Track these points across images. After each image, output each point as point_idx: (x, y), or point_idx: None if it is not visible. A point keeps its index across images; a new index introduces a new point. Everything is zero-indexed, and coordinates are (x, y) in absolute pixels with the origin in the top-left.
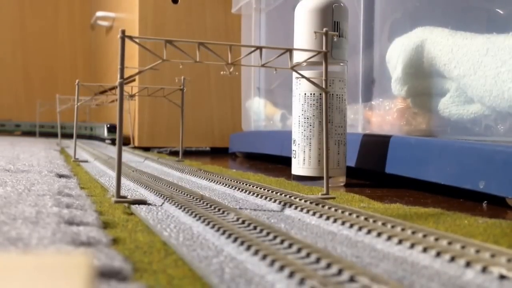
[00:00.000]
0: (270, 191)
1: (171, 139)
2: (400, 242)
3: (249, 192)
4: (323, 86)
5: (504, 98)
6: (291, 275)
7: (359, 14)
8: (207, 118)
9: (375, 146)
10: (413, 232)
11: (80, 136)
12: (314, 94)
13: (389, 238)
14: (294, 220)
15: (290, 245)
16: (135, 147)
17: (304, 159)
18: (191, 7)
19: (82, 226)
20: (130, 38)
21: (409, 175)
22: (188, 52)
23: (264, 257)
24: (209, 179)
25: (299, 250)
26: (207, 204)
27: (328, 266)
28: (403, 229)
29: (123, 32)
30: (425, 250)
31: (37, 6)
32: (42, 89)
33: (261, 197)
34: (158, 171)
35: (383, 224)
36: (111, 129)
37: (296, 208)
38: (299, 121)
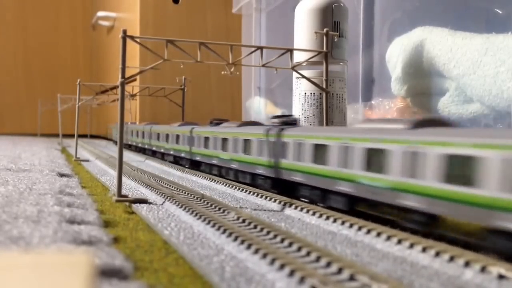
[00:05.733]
0: (270, 191)
1: None
2: (399, 242)
3: (250, 192)
4: (323, 86)
5: (503, 98)
6: (291, 273)
7: (359, 14)
8: (207, 117)
9: None
10: (413, 232)
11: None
12: (314, 93)
13: (388, 238)
14: (294, 220)
15: (290, 244)
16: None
17: None
18: (192, 7)
19: (83, 225)
20: (132, 37)
21: None
22: (189, 52)
23: (264, 255)
24: (210, 178)
25: (299, 249)
26: (207, 203)
27: (328, 265)
28: (402, 229)
29: (124, 32)
30: (424, 250)
31: (39, 6)
32: (43, 88)
33: (262, 196)
34: (159, 170)
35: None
36: None
37: (296, 207)
38: (299, 120)
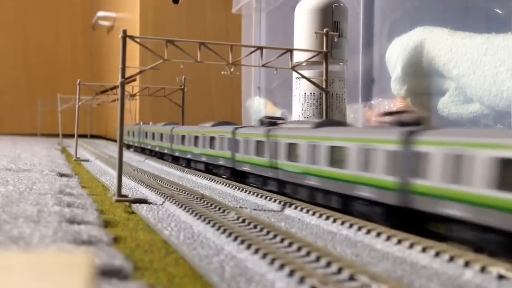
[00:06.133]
0: (270, 191)
1: None
2: (399, 242)
3: (250, 192)
4: (323, 86)
5: (503, 98)
6: (291, 273)
7: (359, 14)
8: (207, 117)
9: None
10: (412, 232)
11: None
12: (314, 93)
13: (388, 238)
14: (294, 220)
15: (290, 244)
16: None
17: None
18: (191, 7)
19: (83, 225)
20: (132, 38)
21: None
22: (189, 52)
23: (264, 255)
24: (210, 178)
25: (299, 249)
26: (207, 203)
27: (328, 264)
28: (402, 229)
29: (124, 32)
30: (424, 250)
31: (39, 6)
32: (44, 88)
33: (261, 196)
34: (159, 170)
35: (382, 223)
36: None
37: (296, 208)
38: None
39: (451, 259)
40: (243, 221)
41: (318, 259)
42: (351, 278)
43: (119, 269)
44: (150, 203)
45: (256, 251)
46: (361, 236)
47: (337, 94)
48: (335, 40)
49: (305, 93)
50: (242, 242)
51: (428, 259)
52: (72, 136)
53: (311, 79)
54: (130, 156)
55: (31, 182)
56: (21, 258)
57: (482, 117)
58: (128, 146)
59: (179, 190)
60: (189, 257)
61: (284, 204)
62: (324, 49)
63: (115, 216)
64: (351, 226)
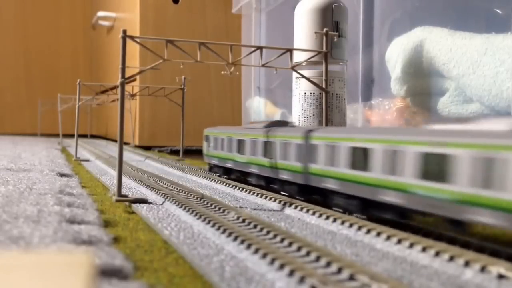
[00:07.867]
0: (270, 190)
1: (172, 138)
2: (399, 241)
3: (250, 191)
4: (323, 86)
5: (503, 98)
6: (291, 273)
7: (359, 14)
8: (207, 117)
9: None
10: (413, 232)
11: None
12: (313, 93)
13: (388, 237)
14: (294, 219)
15: (290, 244)
16: (136, 146)
17: None
18: (191, 7)
19: (84, 224)
20: (131, 38)
21: None
22: (189, 52)
23: (264, 255)
24: (210, 178)
25: (299, 249)
26: (207, 203)
27: (328, 264)
28: (402, 229)
29: (124, 32)
30: (424, 249)
31: (39, 6)
32: (44, 88)
33: (261, 196)
34: (159, 170)
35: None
36: None
37: (296, 207)
38: (298, 120)
39: (451, 258)
40: (243, 221)
41: (318, 259)
42: (351, 278)
43: (119, 269)
44: (150, 203)
45: (256, 251)
46: (361, 236)
47: (337, 94)
48: (335, 40)
49: (305, 93)
50: (242, 242)
51: (428, 258)
52: (72, 136)
53: (311, 79)
54: (130, 156)
55: (31, 182)
56: (21, 258)
57: (482, 117)
58: (210, 169)
59: (179, 190)
60: (189, 257)
61: (284, 204)
62: (324, 49)
63: (115, 216)
64: (351, 225)
